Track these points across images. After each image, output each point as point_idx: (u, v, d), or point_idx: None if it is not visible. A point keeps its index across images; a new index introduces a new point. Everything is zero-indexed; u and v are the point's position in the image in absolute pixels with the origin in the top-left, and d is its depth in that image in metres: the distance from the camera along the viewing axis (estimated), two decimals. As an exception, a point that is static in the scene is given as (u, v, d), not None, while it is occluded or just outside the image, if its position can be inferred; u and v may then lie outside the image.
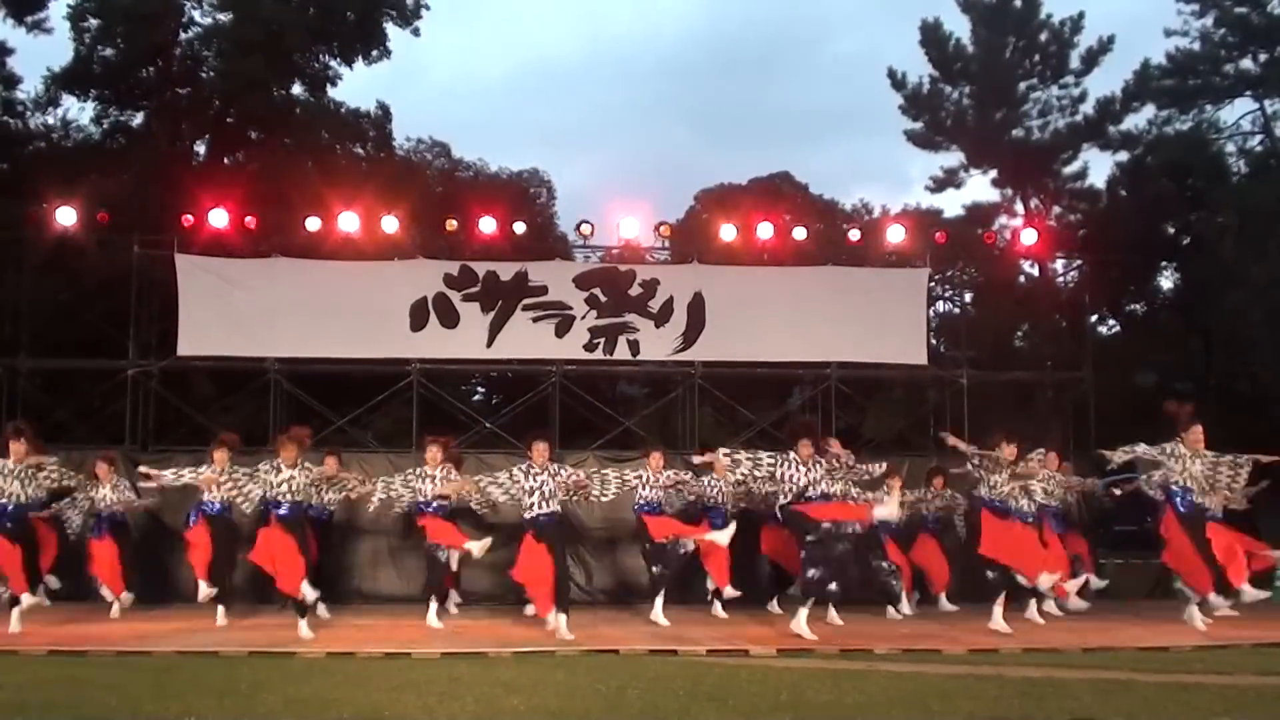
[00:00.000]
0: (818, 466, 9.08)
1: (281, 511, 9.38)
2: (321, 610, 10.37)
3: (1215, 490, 10.06)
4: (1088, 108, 22.10)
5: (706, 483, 11.23)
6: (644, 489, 10.67)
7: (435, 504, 10.27)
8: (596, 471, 10.90)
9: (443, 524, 10.17)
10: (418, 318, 14.01)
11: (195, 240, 13.89)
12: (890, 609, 11.00)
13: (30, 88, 19.96)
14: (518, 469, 9.43)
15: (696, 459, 10.73)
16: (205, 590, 10.12)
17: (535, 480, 9.24)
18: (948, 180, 23.63)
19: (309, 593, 9.15)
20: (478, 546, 9.66)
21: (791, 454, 9.09)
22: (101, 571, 10.92)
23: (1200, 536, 9.49)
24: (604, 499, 10.76)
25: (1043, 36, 22.33)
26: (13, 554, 9.26)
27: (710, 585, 10.96)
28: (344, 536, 12.67)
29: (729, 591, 10.42)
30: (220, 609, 10.17)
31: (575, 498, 10.49)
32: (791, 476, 9.01)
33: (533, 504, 9.23)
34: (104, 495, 11.10)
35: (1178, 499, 9.58)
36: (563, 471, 9.59)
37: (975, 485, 10.08)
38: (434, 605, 10.00)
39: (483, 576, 12.20)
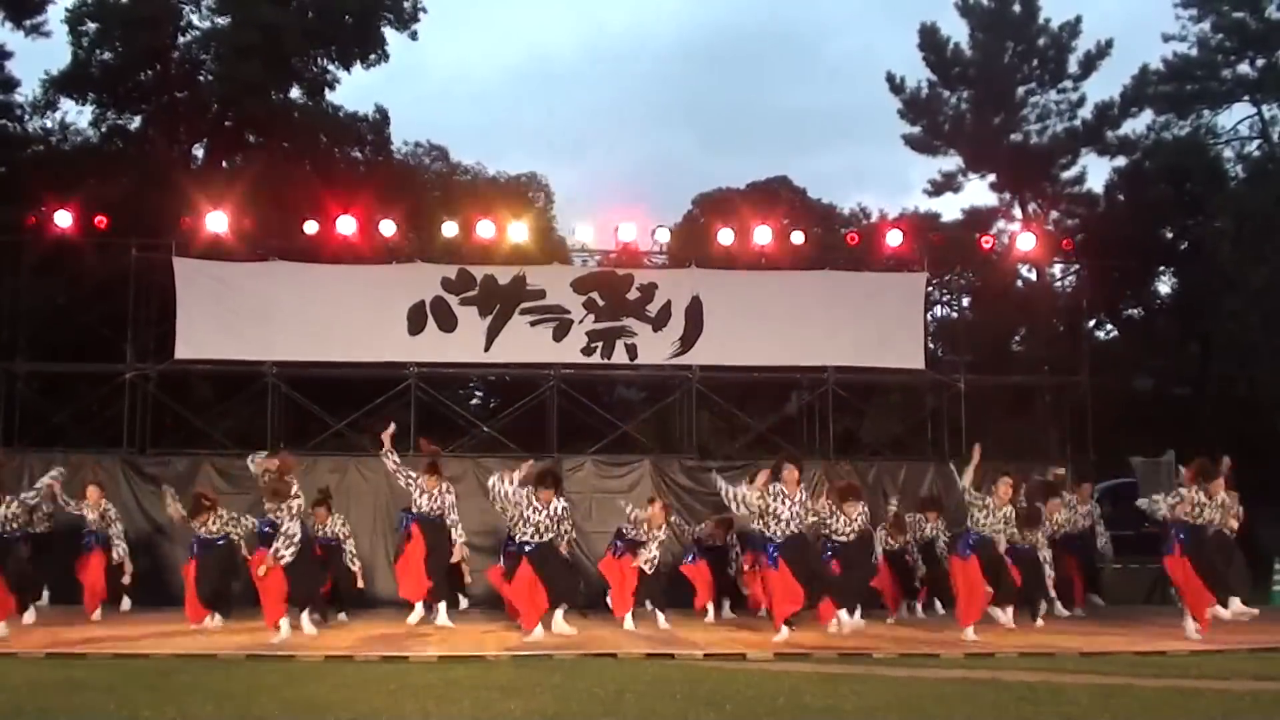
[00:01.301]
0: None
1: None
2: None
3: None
4: (1086, 112, 22.21)
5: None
6: (632, 529, 10.69)
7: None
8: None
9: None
10: (415, 321, 14.00)
11: (193, 244, 13.88)
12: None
13: (28, 91, 20.09)
14: (524, 496, 9.33)
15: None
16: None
17: (536, 515, 9.17)
18: (946, 184, 23.68)
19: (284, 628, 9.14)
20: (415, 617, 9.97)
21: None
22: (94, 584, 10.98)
23: (1203, 560, 9.42)
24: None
25: (1041, 41, 22.39)
26: None
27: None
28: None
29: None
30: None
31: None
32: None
33: (527, 533, 9.17)
34: (92, 520, 11.18)
35: (1183, 535, 9.46)
36: (562, 515, 9.48)
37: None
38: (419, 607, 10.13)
39: (482, 579, 12.18)
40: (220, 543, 10.14)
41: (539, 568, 9.05)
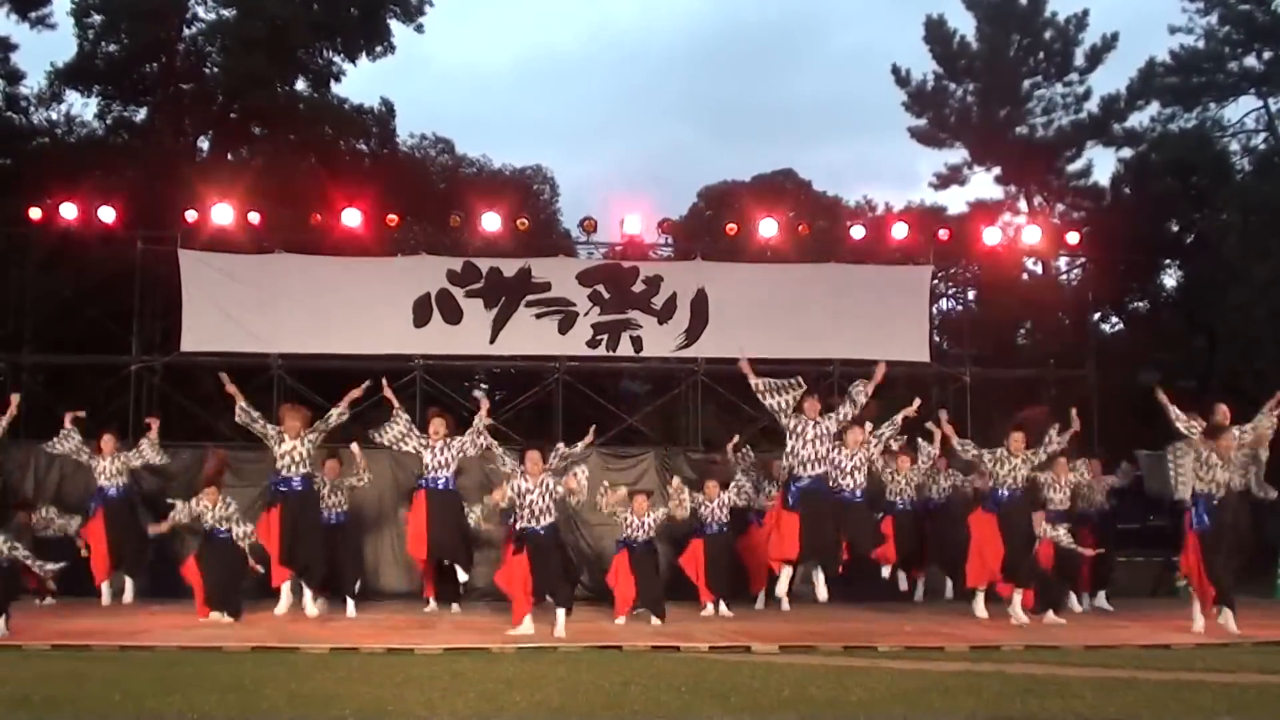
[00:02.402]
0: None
1: (294, 487, 9.60)
2: (311, 606, 10.28)
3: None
4: (1092, 105, 22.18)
5: (700, 503, 11.22)
6: (629, 530, 10.46)
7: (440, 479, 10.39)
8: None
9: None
10: (421, 314, 14.00)
11: (198, 236, 13.88)
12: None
13: (34, 83, 20.07)
14: (514, 479, 9.16)
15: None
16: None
17: (525, 497, 8.86)
18: (951, 177, 23.66)
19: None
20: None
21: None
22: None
23: (1213, 552, 9.25)
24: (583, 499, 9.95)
25: (1047, 34, 22.33)
26: None
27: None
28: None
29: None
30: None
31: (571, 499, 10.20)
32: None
33: (521, 516, 9.00)
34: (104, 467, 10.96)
35: (1201, 509, 9.16)
36: (558, 488, 9.04)
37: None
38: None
39: (485, 574, 12.19)
40: (223, 535, 10.10)
41: (534, 558, 8.78)
